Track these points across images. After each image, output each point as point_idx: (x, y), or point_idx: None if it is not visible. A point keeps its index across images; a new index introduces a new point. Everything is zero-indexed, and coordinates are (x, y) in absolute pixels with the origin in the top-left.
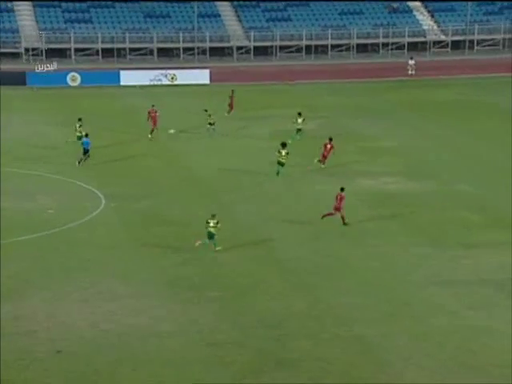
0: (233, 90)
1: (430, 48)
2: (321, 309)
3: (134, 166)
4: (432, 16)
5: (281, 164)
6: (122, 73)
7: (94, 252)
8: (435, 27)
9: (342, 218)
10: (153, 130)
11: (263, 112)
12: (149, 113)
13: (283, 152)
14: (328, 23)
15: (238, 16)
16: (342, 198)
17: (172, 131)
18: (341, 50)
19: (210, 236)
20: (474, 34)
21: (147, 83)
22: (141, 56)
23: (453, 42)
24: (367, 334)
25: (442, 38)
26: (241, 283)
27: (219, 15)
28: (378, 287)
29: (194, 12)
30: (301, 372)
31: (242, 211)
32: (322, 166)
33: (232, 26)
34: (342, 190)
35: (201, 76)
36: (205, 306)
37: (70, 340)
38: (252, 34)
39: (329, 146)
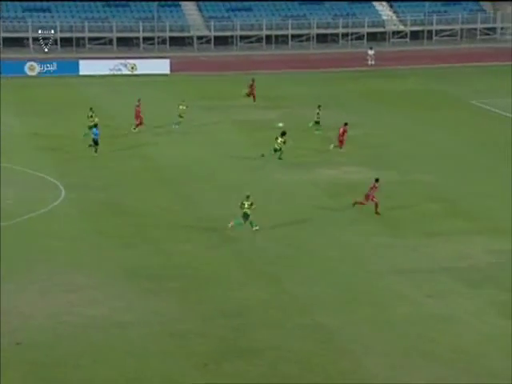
0: (253, 79)
1: (389, 38)
2: (282, 298)
3: (96, 157)
4: (391, 6)
5: (275, 150)
6: (82, 62)
7: (54, 243)
8: (394, 17)
9: (376, 205)
10: (139, 124)
11: (225, 102)
12: (137, 106)
13: (279, 140)
14: (288, 13)
15: (199, 5)
16: (375, 188)
17: (281, 124)
18: (301, 40)
19: (246, 217)
20: (432, 24)
21: (107, 73)
22: (100, 45)
23: (412, 32)
24: (328, 322)
25: (401, 28)
26: (202, 273)
27: (179, 5)
28: (339, 276)
29: (153, 1)
30: (262, 361)
31: (204, 201)
32: (341, 150)
33: (192, 16)
34: (377, 180)
35: (161, 66)
36: (166, 296)
37: (30, 331)
38: (212, 23)
39: (341, 130)
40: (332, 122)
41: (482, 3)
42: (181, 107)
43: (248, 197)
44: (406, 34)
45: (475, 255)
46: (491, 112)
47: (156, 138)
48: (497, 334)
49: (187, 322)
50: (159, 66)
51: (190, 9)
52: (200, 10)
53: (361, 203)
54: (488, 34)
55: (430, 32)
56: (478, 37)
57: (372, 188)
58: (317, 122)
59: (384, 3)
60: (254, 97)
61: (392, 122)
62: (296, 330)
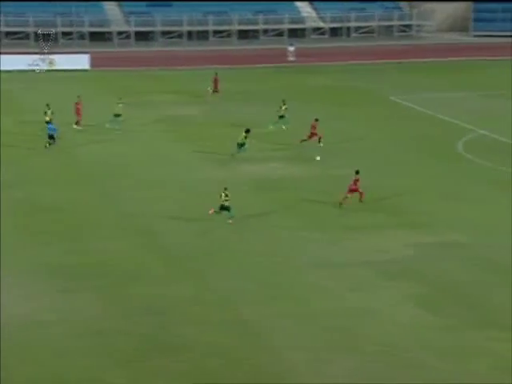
0: (216, 73)
1: (309, 35)
2: (205, 294)
3: (15, 153)
4: (311, 3)
5: (239, 145)
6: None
7: None
8: (314, 14)
9: (361, 194)
10: (78, 121)
11: (146, 98)
12: (76, 104)
13: (244, 135)
14: (209, 9)
15: (118, 0)
16: (357, 180)
17: (318, 158)
18: (222, 36)
19: (227, 208)
20: (351, 21)
21: (25, 68)
22: (18, 40)
23: (331, 29)
24: (252, 317)
25: (321, 25)
26: (125, 271)
27: None
28: (263, 271)
29: None
30: (186, 357)
31: (127, 198)
32: (320, 144)
33: (112, 11)
34: (357, 172)
35: (80, 61)
36: (88, 294)
37: None
38: (132, 18)
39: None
40: (256, 117)
41: (398, 2)
42: (120, 105)
43: (226, 188)
44: (326, 31)
45: (394, 249)
46: (409, 108)
47: (79, 134)
48: (416, 326)
49: (109, 320)
50: (78, 62)
51: (109, 4)
52: (119, 4)
53: (345, 198)
54: (404, 31)
55: (348, 29)
56: (395, 34)
57: (355, 181)
58: (281, 117)
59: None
60: (217, 90)
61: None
62: (220, 325)
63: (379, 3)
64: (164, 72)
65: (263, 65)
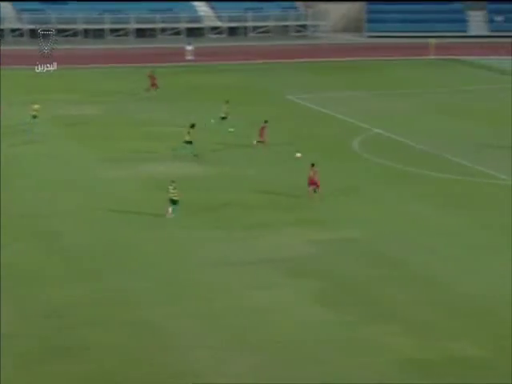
0: (153, 70)
1: (207, 34)
2: (106, 295)
3: None
4: (208, 3)
5: (186, 142)
6: None
7: None
8: (211, 14)
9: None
10: None
11: (40, 96)
12: None
13: (188, 131)
14: (106, 7)
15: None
16: (316, 172)
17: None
18: (119, 35)
19: (173, 202)
20: (248, 21)
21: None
22: None
23: (229, 28)
24: (153, 317)
25: (219, 24)
26: (24, 273)
27: None
28: (163, 271)
29: None
30: (86, 358)
31: (26, 199)
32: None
33: (4, 8)
34: (313, 165)
35: None
36: None
37: None
38: (25, 16)
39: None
40: (156, 116)
41: (294, 1)
42: (35, 106)
43: (173, 181)
44: (224, 31)
45: (294, 246)
46: (306, 107)
47: None
48: (314, 322)
49: (9, 323)
50: None
51: (2, 2)
52: (12, 1)
53: (314, 190)
54: (300, 31)
55: (246, 28)
56: (291, 34)
57: (314, 173)
58: (223, 118)
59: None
60: (155, 87)
61: (215, 116)
62: (120, 326)
63: (276, 3)
64: (60, 71)
65: (162, 64)
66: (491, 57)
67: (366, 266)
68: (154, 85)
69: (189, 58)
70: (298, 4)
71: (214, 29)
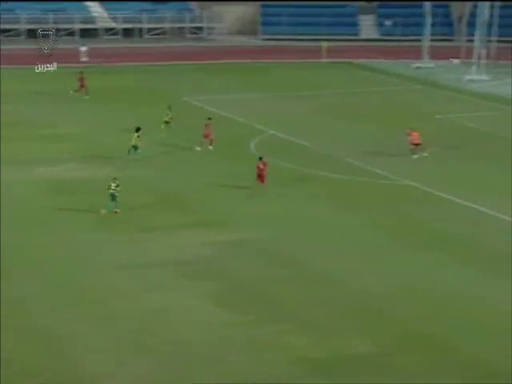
0: (81, 71)
1: (101, 35)
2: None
3: None
4: (101, 3)
5: (133, 147)
6: None
7: None
8: (105, 15)
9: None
10: None
11: None
12: None
13: (135, 135)
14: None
15: None
16: (264, 165)
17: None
18: (10, 35)
19: (113, 198)
20: (143, 22)
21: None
22: None
23: (124, 29)
24: (50, 322)
25: (113, 25)
26: None
27: None
28: (58, 275)
29: None
30: None
31: None
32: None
33: None
34: (261, 158)
35: None
36: None
37: None
38: None
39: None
40: (50, 119)
41: (189, 2)
42: None
43: (115, 178)
44: (118, 32)
45: (191, 248)
46: (203, 109)
47: None
48: (213, 323)
49: None
50: None
51: None
52: None
53: (261, 182)
54: (196, 33)
55: (141, 30)
56: (187, 35)
57: (263, 166)
58: (166, 122)
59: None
60: (85, 89)
61: (107, 118)
62: (16, 333)
63: (171, 4)
64: None
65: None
66: (382, 60)
67: (263, 266)
68: (82, 86)
69: (83, 59)
70: (193, 6)
71: (109, 30)
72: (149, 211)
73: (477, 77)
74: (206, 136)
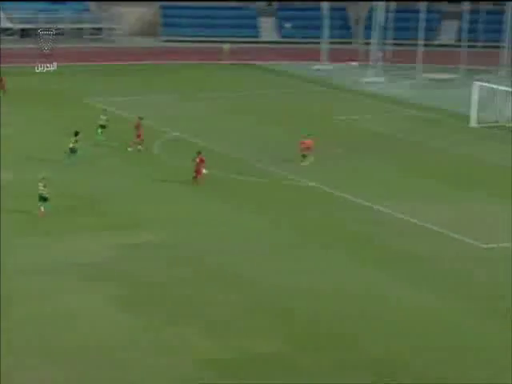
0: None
1: None
2: None
3: None
4: None
5: (71, 150)
6: None
7: None
8: (2, 15)
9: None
10: None
11: None
12: None
13: (73, 139)
14: None
15: None
16: (202, 161)
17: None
18: None
19: (44, 199)
20: (41, 22)
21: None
22: None
23: (21, 30)
24: None
25: (10, 25)
26: None
27: None
28: None
29: None
30: None
31: None
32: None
33: None
34: (199, 153)
35: None
36: None
37: None
38: None
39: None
40: None
41: (88, 3)
42: None
43: (43, 178)
44: (16, 32)
45: (97, 251)
46: (106, 111)
47: None
48: (118, 327)
49: None
50: None
51: None
52: None
53: (196, 177)
54: (96, 34)
55: (39, 30)
56: (86, 36)
57: (200, 161)
58: (102, 126)
59: None
60: (3, 89)
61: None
62: None
63: (68, 5)
64: None
65: None
66: (282, 62)
67: (167, 268)
68: (1, 87)
69: None
70: (92, 7)
71: (6, 30)
72: (55, 214)
73: (374, 79)
74: (138, 136)
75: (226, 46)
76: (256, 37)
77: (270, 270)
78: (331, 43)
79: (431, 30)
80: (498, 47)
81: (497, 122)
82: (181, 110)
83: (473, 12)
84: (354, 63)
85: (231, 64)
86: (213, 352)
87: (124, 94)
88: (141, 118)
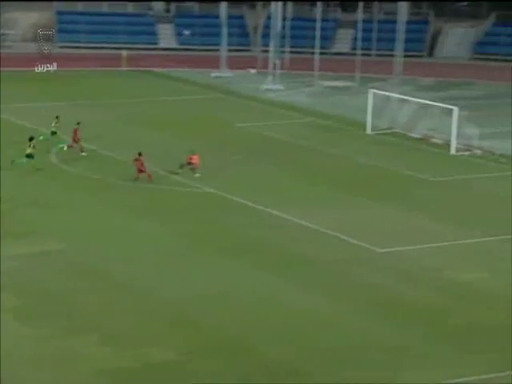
0: None
1: None
2: None
3: None
4: None
5: (29, 156)
6: None
7: None
8: None
9: (149, 176)
10: None
11: None
12: None
13: (31, 144)
14: None
15: None
16: (141, 162)
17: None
18: None
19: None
20: None
21: None
22: None
23: None
24: None
25: None
26: None
27: None
28: None
29: None
30: None
31: None
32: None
33: None
34: (140, 154)
35: None
36: None
37: None
38: None
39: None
40: None
41: None
42: None
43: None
44: None
45: None
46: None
47: None
48: (19, 338)
49: None
50: None
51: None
52: None
53: (139, 173)
54: None
55: None
56: None
57: (138, 161)
58: (53, 133)
59: None
60: None
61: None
62: None
63: None
64: None
65: None
66: (182, 69)
67: (66, 277)
68: None
69: None
70: None
71: None
72: None
73: (273, 86)
74: (75, 141)
75: (125, 53)
76: (155, 43)
77: (167, 278)
78: (230, 50)
79: (327, 38)
80: (391, 56)
81: (391, 128)
82: (78, 117)
83: (367, 21)
84: (252, 70)
85: (130, 71)
86: (107, 361)
87: (18, 101)
88: (78, 123)
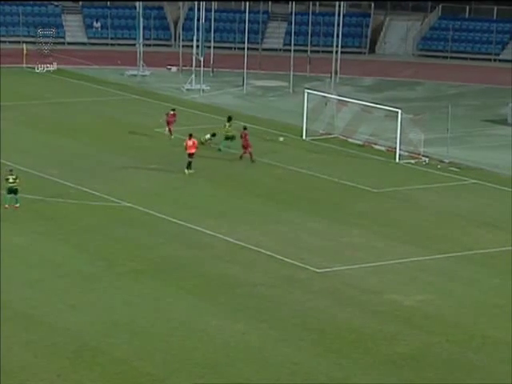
0: None
1: None
2: None
3: None
4: None
5: (228, 138)
6: None
7: None
8: None
9: (251, 154)
10: None
11: None
12: None
13: (227, 125)
14: None
15: None
16: (246, 135)
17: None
18: None
19: (13, 191)
20: None
21: None
22: None
23: None
24: None
25: None
26: None
27: None
28: None
29: None
30: None
31: None
32: None
33: None
34: (245, 128)
35: None
36: None
37: None
38: None
39: None
40: None
41: None
42: None
43: (11, 171)
44: None
45: None
46: None
47: None
48: None
49: None
50: None
51: None
52: None
53: (245, 153)
54: None
55: None
56: None
57: (245, 137)
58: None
59: None
60: None
61: None
62: None
63: None
64: None
65: None
66: (92, 66)
67: None
68: None
69: None
70: None
71: None
72: None
73: (196, 86)
74: None
75: (26, 48)
76: (61, 37)
77: (73, 304)
78: (148, 45)
79: (257, 32)
80: (328, 52)
81: (329, 133)
82: None
83: (301, 14)
84: (173, 68)
85: (30, 68)
86: None
87: None
88: None
